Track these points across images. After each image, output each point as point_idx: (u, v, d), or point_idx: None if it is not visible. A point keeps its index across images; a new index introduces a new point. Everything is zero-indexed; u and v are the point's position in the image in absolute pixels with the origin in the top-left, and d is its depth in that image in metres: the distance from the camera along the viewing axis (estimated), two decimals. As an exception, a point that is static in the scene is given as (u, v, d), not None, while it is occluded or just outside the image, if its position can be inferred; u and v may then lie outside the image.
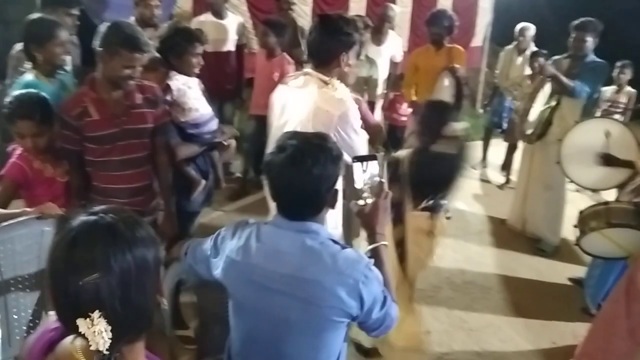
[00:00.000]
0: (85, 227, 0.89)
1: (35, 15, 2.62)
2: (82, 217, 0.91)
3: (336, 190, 1.41)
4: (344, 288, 1.30)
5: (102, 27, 2.08)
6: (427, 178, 2.46)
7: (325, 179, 1.35)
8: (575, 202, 3.99)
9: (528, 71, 5.03)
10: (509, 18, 6.07)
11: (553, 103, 3.79)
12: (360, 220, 1.58)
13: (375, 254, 1.50)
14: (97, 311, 0.83)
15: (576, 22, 3.69)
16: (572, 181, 3.58)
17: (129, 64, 2.07)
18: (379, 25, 4.56)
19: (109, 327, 0.83)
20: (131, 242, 0.89)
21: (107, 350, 0.83)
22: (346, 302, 1.31)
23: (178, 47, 2.60)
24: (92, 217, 0.90)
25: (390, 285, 1.47)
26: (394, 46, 4.76)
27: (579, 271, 3.63)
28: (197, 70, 2.69)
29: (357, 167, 1.52)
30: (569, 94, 3.66)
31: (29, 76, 2.49)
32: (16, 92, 2.20)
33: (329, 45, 2.14)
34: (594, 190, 3.32)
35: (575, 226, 3.01)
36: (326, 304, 1.31)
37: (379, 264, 1.48)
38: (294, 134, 1.43)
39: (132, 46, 2.04)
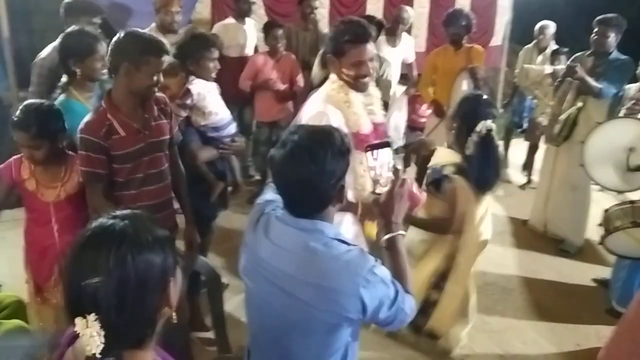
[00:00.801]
0: (97, 230, 0.91)
1: (74, 29, 2.49)
2: (101, 219, 0.93)
3: (342, 186, 1.34)
4: (343, 293, 1.26)
5: (115, 41, 1.98)
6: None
7: (326, 175, 1.29)
8: (600, 202, 3.91)
9: (548, 70, 4.96)
10: (529, 16, 5.99)
11: (579, 104, 3.72)
12: (376, 210, 1.51)
13: (391, 244, 1.45)
14: (93, 314, 0.84)
15: (599, 17, 3.63)
16: (596, 183, 3.52)
17: (157, 70, 2.01)
18: (393, 27, 4.56)
19: (102, 332, 0.83)
20: (136, 248, 0.89)
21: (100, 354, 0.83)
22: (345, 307, 1.27)
23: (195, 53, 2.63)
24: (109, 221, 0.92)
25: (405, 277, 1.42)
26: (406, 47, 4.76)
27: (603, 272, 3.57)
28: (214, 75, 2.72)
29: (368, 156, 1.47)
30: (596, 96, 3.60)
31: (61, 97, 2.39)
32: (27, 102, 2.15)
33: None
34: (619, 192, 3.25)
35: (600, 225, 2.96)
36: (325, 307, 1.27)
37: (394, 254, 1.44)
38: (298, 128, 1.37)
39: (157, 51, 2.00)
